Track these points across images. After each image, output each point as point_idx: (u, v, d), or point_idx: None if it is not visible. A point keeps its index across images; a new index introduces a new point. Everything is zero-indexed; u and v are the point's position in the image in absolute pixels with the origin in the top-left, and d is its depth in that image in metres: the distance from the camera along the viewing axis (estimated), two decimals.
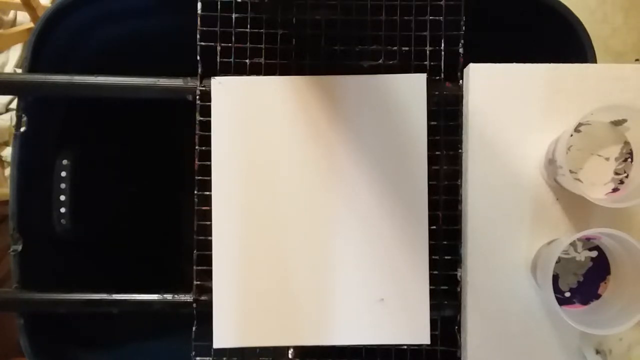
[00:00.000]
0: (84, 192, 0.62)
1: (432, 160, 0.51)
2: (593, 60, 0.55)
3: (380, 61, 0.52)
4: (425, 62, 0.52)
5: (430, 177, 0.51)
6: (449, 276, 0.51)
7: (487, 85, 0.49)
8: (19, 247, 0.54)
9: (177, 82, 0.52)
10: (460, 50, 0.51)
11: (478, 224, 0.49)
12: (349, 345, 0.51)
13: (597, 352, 0.47)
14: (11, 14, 1.33)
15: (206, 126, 0.51)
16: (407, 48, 0.52)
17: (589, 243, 0.48)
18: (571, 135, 0.44)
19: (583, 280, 0.48)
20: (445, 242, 0.51)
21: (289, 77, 0.52)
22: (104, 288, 0.53)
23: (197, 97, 0.52)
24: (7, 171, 1.23)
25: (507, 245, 0.49)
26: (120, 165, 0.74)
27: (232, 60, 0.52)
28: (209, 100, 0.52)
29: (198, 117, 0.52)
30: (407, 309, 0.51)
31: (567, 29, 0.55)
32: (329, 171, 0.51)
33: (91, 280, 0.64)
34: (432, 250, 0.51)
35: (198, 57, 0.52)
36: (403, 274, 0.51)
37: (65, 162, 0.60)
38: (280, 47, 0.52)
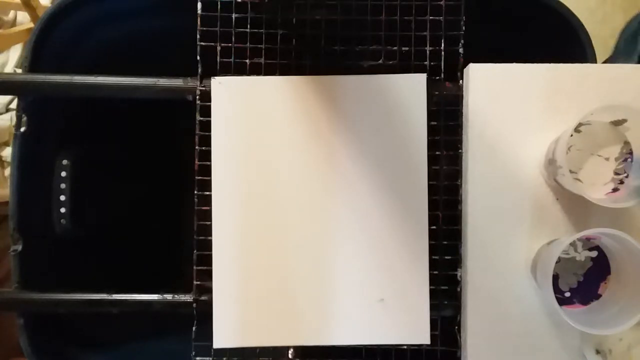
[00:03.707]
0: (84, 192, 0.62)
1: (432, 160, 0.51)
2: (593, 60, 0.55)
3: (380, 61, 0.52)
4: (425, 62, 0.52)
5: (430, 177, 0.51)
6: (449, 276, 0.51)
7: (487, 85, 0.49)
8: (19, 247, 0.54)
9: (177, 82, 0.52)
10: (460, 50, 0.51)
11: (478, 224, 0.49)
12: (349, 345, 0.51)
13: (597, 352, 0.47)
14: (11, 14, 1.33)
15: (206, 126, 0.51)
16: (407, 48, 0.52)
17: (589, 243, 0.48)
18: (571, 135, 0.44)
19: (583, 280, 0.48)
20: (445, 242, 0.51)
21: (289, 77, 0.52)
22: (104, 288, 0.53)
23: (197, 97, 0.52)
24: (7, 171, 1.23)
25: (507, 245, 0.49)
26: (120, 165, 0.74)
27: (232, 60, 0.52)
28: (209, 100, 0.52)
29: (198, 117, 0.52)
30: (407, 309, 0.51)
31: (567, 29, 0.55)
32: (329, 171, 0.51)
33: (91, 280, 0.64)
34: (432, 250, 0.51)
35: (198, 57, 0.52)
36: (403, 274, 0.51)
37: (65, 162, 0.60)
38: (280, 47, 0.52)
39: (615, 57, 0.75)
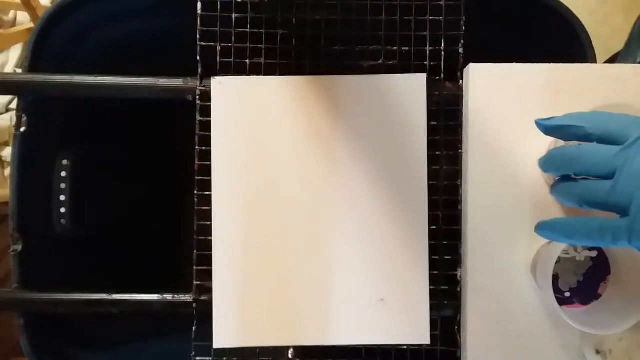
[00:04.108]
0: (84, 192, 0.62)
1: (432, 160, 0.51)
2: (593, 60, 0.55)
3: (380, 61, 0.52)
4: (425, 62, 0.52)
5: (430, 177, 0.51)
6: (449, 276, 0.51)
7: (487, 85, 0.49)
8: (19, 247, 0.54)
9: (177, 82, 0.52)
10: (460, 50, 0.51)
11: (478, 224, 0.49)
12: (349, 345, 0.51)
13: (597, 352, 0.47)
14: (11, 14, 1.33)
15: (206, 126, 0.52)
16: (407, 48, 0.52)
17: None
18: None
19: (583, 280, 0.48)
20: (445, 242, 0.51)
21: (289, 77, 0.52)
22: (104, 288, 0.53)
23: (197, 97, 0.52)
24: (7, 171, 1.23)
25: (507, 245, 0.49)
26: (120, 165, 0.74)
27: (232, 60, 0.52)
28: (209, 100, 0.52)
29: (198, 117, 0.52)
30: (407, 309, 0.51)
31: (567, 29, 0.55)
32: (328, 171, 0.51)
33: (91, 280, 0.64)
34: (432, 250, 0.51)
35: (198, 57, 0.52)
36: (403, 274, 0.51)
37: (65, 162, 0.60)
38: (280, 47, 0.52)
39: (628, 44, 0.75)
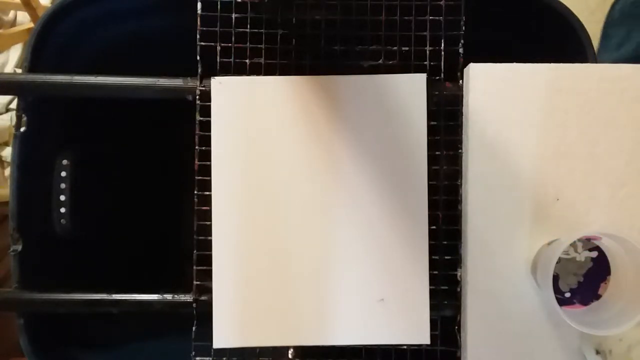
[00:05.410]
0: (84, 192, 0.62)
1: (432, 160, 0.51)
2: (593, 60, 0.55)
3: (380, 61, 0.52)
4: (425, 62, 0.52)
5: (430, 177, 0.51)
6: (449, 276, 0.51)
7: (487, 85, 0.49)
8: (19, 247, 0.54)
9: (177, 82, 0.52)
10: (460, 50, 0.51)
11: (478, 224, 0.49)
12: (348, 345, 0.51)
13: (597, 352, 0.47)
14: (11, 14, 1.33)
15: (206, 126, 0.52)
16: (407, 48, 0.52)
17: (589, 243, 0.48)
18: None
19: (583, 281, 0.48)
20: (445, 242, 0.51)
21: (289, 77, 0.52)
22: (104, 288, 0.53)
23: (197, 97, 0.52)
24: (7, 171, 1.23)
25: (507, 245, 0.49)
26: (120, 165, 0.74)
27: (232, 60, 0.52)
28: (209, 100, 0.52)
29: (198, 117, 0.52)
30: (407, 309, 0.51)
31: (567, 29, 0.55)
32: (328, 171, 0.51)
33: (91, 280, 0.64)
34: (432, 250, 0.51)
35: (198, 57, 0.52)
36: (403, 274, 0.51)
37: (65, 162, 0.60)
38: (280, 47, 0.52)
39: (606, 30, 0.73)
